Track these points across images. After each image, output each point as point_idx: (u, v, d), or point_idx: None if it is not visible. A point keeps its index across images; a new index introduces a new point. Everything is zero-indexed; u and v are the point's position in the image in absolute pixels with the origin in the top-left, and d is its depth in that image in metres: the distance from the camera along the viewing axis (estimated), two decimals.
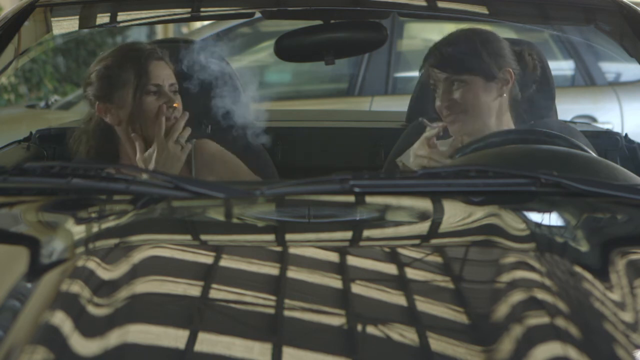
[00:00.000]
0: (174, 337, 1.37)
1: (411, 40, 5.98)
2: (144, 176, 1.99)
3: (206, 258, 1.67)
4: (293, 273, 1.60)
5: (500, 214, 1.86)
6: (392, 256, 1.70)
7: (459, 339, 1.39)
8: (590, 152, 2.38)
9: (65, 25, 3.02)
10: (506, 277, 1.61)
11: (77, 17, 2.91)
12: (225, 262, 1.65)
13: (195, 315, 1.45)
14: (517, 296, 1.51)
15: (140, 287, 1.51)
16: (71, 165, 1.99)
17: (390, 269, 1.64)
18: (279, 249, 1.74)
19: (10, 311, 1.47)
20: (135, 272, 1.55)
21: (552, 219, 1.92)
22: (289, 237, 1.81)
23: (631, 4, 2.59)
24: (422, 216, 1.91)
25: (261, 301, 1.50)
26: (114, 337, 1.36)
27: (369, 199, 1.93)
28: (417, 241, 1.81)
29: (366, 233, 1.84)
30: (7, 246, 1.79)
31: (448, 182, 1.91)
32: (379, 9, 3.07)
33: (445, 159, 2.46)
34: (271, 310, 1.47)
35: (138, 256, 1.62)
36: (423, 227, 1.86)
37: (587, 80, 5.81)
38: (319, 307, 1.47)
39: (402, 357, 1.35)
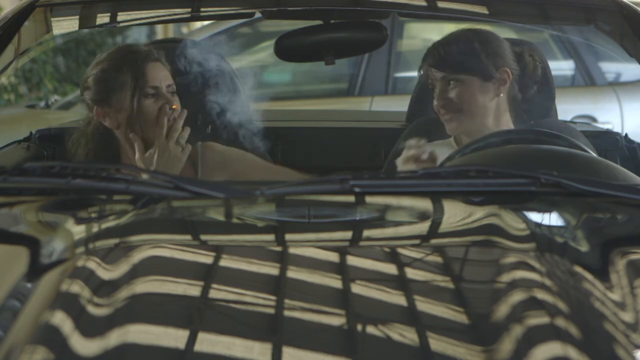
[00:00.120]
0: (174, 337, 1.37)
1: (411, 40, 5.98)
2: (144, 176, 1.99)
3: (206, 258, 1.67)
4: (293, 273, 1.60)
5: (500, 214, 1.86)
6: (392, 256, 1.70)
7: (459, 339, 1.39)
8: (590, 152, 2.38)
9: (65, 25, 3.02)
10: (506, 277, 1.61)
11: (77, 17, 2.91)
12: (225, 262, 1.65)
13: (195, 315, 1.45)
14: (517, 296, 1.51)
15: (140, 287, 1.51)
16: (71, 165, 1.99)
17: (390, 269, 1.64)
18: (279, 249, 1.74)
19: (10, 311, 1.47)
20: (135, 272, 1.55)
21: (552, 219, 1.92)
22: (289, 237, 1.81)
23: (631, 4, 2.59)
24: (422, 216, 1.91)
25: (261, 301, 1.50)
26: (114, 337, 1.36)
27: (369, 199, 1.93)
28: (417, 241, 1.81)
29: (366, 233, 1.84)
30: (7, 246, 1.79)
31: (448, 182, 1.91)
32: (379, 9, 3.07)
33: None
34: (271, 310, 1.47)
35: (138, 256, 1.62)
36: (423, 227, 1.86)
37: (587, 80, 5.81)
38: (319, 307, 1.47)
39: (402, 357, 1.35)
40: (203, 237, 1.84)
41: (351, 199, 1.91)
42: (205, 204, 1.92)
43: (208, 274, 1.58)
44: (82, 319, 1.42)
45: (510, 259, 1.68)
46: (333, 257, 1.68)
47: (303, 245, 1.77)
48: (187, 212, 1.92)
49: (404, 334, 1.40)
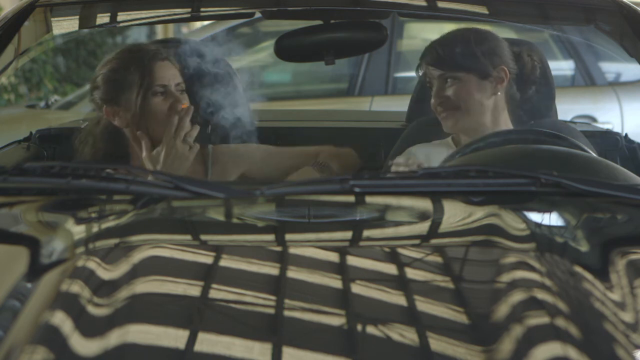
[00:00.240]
0: (174, 337, 1.37)
1: (411, 40, 5.98)
2: (144, 176, 1.99)
3: (206, 258, 1.67)
4: (293, 273, 1.60)
5: (500, 214, 1.86)
6: (392, 256, 1.70)
7: (459, 339, 1.39)
8: (590, 152, 2.38)
9: (65, 25, 3.02)
10: (506, 277, 1.61)
11: (77, 17, 2.91)
12: (225, 262, 1.65)
13: (195, 315, 1.45)
14: (517, 296, 1.51)
15: (140, 287, 1.51)
16: (71, 165, 1.99)
17: (390, 269, 1.64)
18: (279, 249, 1.74)
19: (10, 311, 1.47)
20: (135, 272, 1.55)
21: (552, 219, 1.92)
22: (289, 237, 1.81)
23: (631, 4, 2.59)
24: (422, 216, 1.91)
25: (261, 301, 1.50)
26: (114, 337, 1.36)
27: (369, 199, 1.93)
28: (417, 241, 1.81)
29: (366, 233, 1.84)
30: (7, 246, 1.79)
31: (448, 182, 1.91)
32: (379, 9, 3.07)
33: None
34: (271, 310, 1.47)
35: (138, 256, 1.62)
36: (423, 227, 1.86)
37: (587, 80, 5.81)
38: (319, 307, 1.47)
39: (402, 357, 1.35)
40: (203, 237, 1.84)
41: (351, 199, 1.91)
42: (205, 204, 1.92)
43: (208, 274, 1.58)
44: (82, 319, 1.42)
45: (510, 259, 1.68)
46: (333, 257, 1.68)
47: (303, 245, 1.77)
48: (187, 212, 1.92)
49: (404, 334, 1.40)
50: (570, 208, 1.91)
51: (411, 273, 1.62)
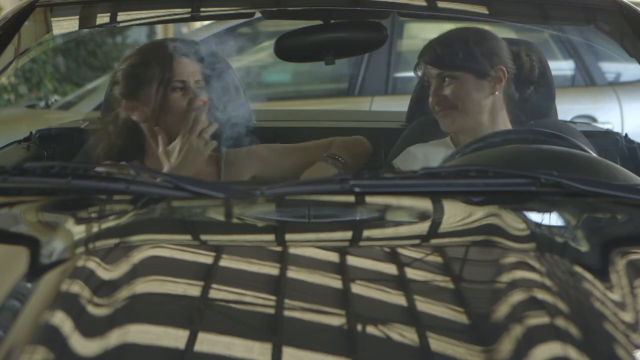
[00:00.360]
0: (174, 337, 1.37)
1: (411, 40, 5.98)
2: (144, 176, 1.99)
3: (206, 258, 1.67)
4: (293, 273, 1.60)
5: (500, 214, 1.86)
6: (392, 256, 1.70)
7: (459, 339, 1.39)
8: (590, 152, 2.38)
9: (65, 25, 3.02)
10: (506, 277, 1.61)
11: (77, 17, 2.91)
12: (225, 262, 1.65)
13: (195, 315, 1.45)
14: (517, 296, 1.51)
15: (140, 287, 1.51)
16: (71, 165, 1.99)
17: (390, 269, 1.64)
18: (279, 249, 1.74)
19: (10, 311, 1.47)
20: (135, 272, 1.55)
21: (552, 219, 1.92)
22: (289, 237, 1.81)
23: (631, 4, 2.59)
24: (422, 216, 1.91)
25: (261, 301, 1.50)
26: (114, 337, 1.36)
27: (369, 199, 1.93)
28: (417, 241, 1.81)
29: (366, 233, 1.84)
30: (7, 246, 1.79)
31: (448, 182, 1.91)
32: (379, 9, 3.07)
33: None
34: (271, 310, 1.47)
35: (138, 256, 1.62)
36: (423, 227, 1.86)
37: (587, 80, 5.81)
38: (319, 307, 1.47)
39: (402, 357, 1.35)
40: (203, 237, 1.84)
41: (351, 199, 1.91)
42: (205, 204, 1.92)
43: (208, 274, 1.58)
44: (82, 319, 1.42)
45: (510, 259, 1.68)
46: (333, 257, 1.68)
47: (303, 245, 1.77)
48: (187, 212, 1.92)
49: (404, 334, 1.40)
50: (570, 208, 1.91)
51: (411, 273, 1.62)
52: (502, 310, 1.47)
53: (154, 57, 2.62)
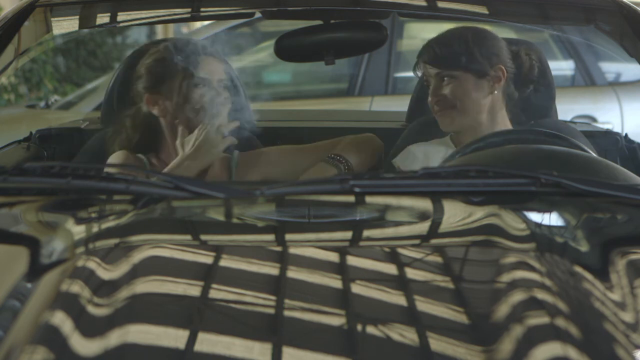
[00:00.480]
0: (174, 337, 1.37)
1: (411, 40, 5.98)
2: (144, 176, 2.00)
3: (206, 258, 1.67)
4: (293, 273, 1.60)
5: (500, 214, 1.86)
6: (392, 256, 1.70)
7: (459, 339, 1.39)
8: (590, 152, 2.38)
9: (65, 25, 3.02)
10: (506, 277, 1.61)
11: (77, 17, 2.91)
12: (225, 262, 1.65)
13: (195, 315, 1.45)
14: (517, 296, 1.51)
15: (140, 287, 1.51)
16: (71, 165, 1.99)
17: (390, 269, 1.64)
18: (279, 249, 1.74)
19: (10, 311, 1.47)
20: (135, 272, 1.55)
21: (552, 219, 1.92)
22: (289, 237, 1.81)
23: (631, 4, 2.59)
24: (422, 216, 1.91)
25: (261, 301, 1.50)
26: (114, 337, 1.36)
27: (369, 199, 1.93)
28: (417, 241, 1.81)
29: (366, 233, 1.84)
30: (7, 246, 1.79)
31: (448, 182, 1.91)
32: (379, 9, 3.07)
33: None
34: (271, 310, 1.47)
35: (138, 256, 1.62)
36: (423, 227, 1.86)
37: (587, 80, 5.81)
38: (319, 307, 1.47)
39: (402, 357, 1.35)
40: (203, 237, 1.84)
41: (351, 199, 1.91)
42: (206, 204, 1.92)
43: (208, 274, 1.58)
44: (82, 319, 1.42)
45: (510, 259, 1.68)
46: (333, 257, 1.68)
47: (303, 245, 1.77)
48: (187, 212, 1.92)
49: (404, 334, 1.40)
50: (570, 208, 1.91)
51: (411, 273, 1.62)
52: (502, 310, 1.47)
53: (179, 53, 2.63)
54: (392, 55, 5.71)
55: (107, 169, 1.95)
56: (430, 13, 3.26)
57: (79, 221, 1.86)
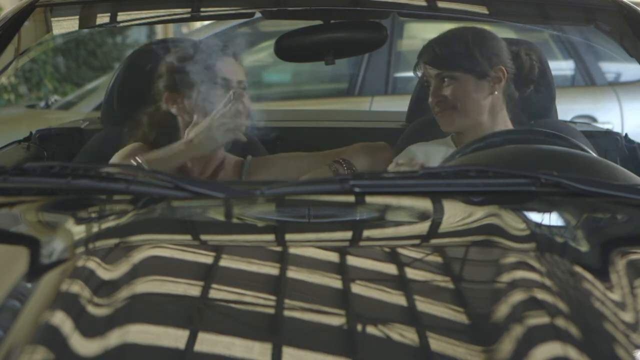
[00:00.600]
0: (174, 337, 1.37)
1: (411, 40, 5.98)
2: (144, 176, 1.99)
3: (206, 258, 1.67)
4: (293, 273, 1.60)
5: (500, 214, 1.86)
6: (392, 256, 1.70)
7: (459, 339, 1.39)
8: (590, 152, 2.38)
9: (65, 25, 3.02)
10: (506, 277, 1.61)
11: (77, 17, 2.91)
12: (225, 262, 1.65)
13: (195, 315, 1.45)
14: (517, 296, 1.51)
15: (140, 287, 1.51)
16: (71, 165, 1.99)
17: (390, 269, 1.64)
18: (279, 249, 1.74)
19: (10, 311, 1.47)
20: (135, 272, 1.55)
21: (552, 219, 1.92)
22: (289, 237, 1.81)
23: (631, 4, 2.60)
24: (422, 216, 1.91)
25: (261, 301, 1.50)
26: (114, 337, 1.36)
27: (369, 199, 1.93)
28: (417, 241, 1.81)
29: (366, 233, 1.84)
30: (7, 246, 1.79)
31: (448, 182, 1.91)
32: (379, 9, 3.07)
33: None
34: (271, 310, 1.47)
35: (138, 256, 1.62)
36: (423, 227, 1.86)
37: (587, 80, 5.81)
38: (319, 307, 1.47)
39: (402, 357, 1.35)
40: (203, 237, 1.84)
41: (351, 199, 1.91)
42: (206, 204, 1.92)
43: (208, 274, 1.58)
44: (82, 319, 1.42)
45: (510, 259, 1.68)
46: (333, 257, 1.68)
47: (303, 245, 1.77)
48: (187, 212, 1.92)
49: (404, 334, 1.40)
50: (570, 208, 1.91)
51: (411, 273, 1.62)
52: (502, 310, 1.47)
53: (200, 54, 2.64)
54: (392, 55, 5.71)
55: (107, 169, 1.94)
56: (430, 13, 3.26)
57: (79, 221, 1.86)
